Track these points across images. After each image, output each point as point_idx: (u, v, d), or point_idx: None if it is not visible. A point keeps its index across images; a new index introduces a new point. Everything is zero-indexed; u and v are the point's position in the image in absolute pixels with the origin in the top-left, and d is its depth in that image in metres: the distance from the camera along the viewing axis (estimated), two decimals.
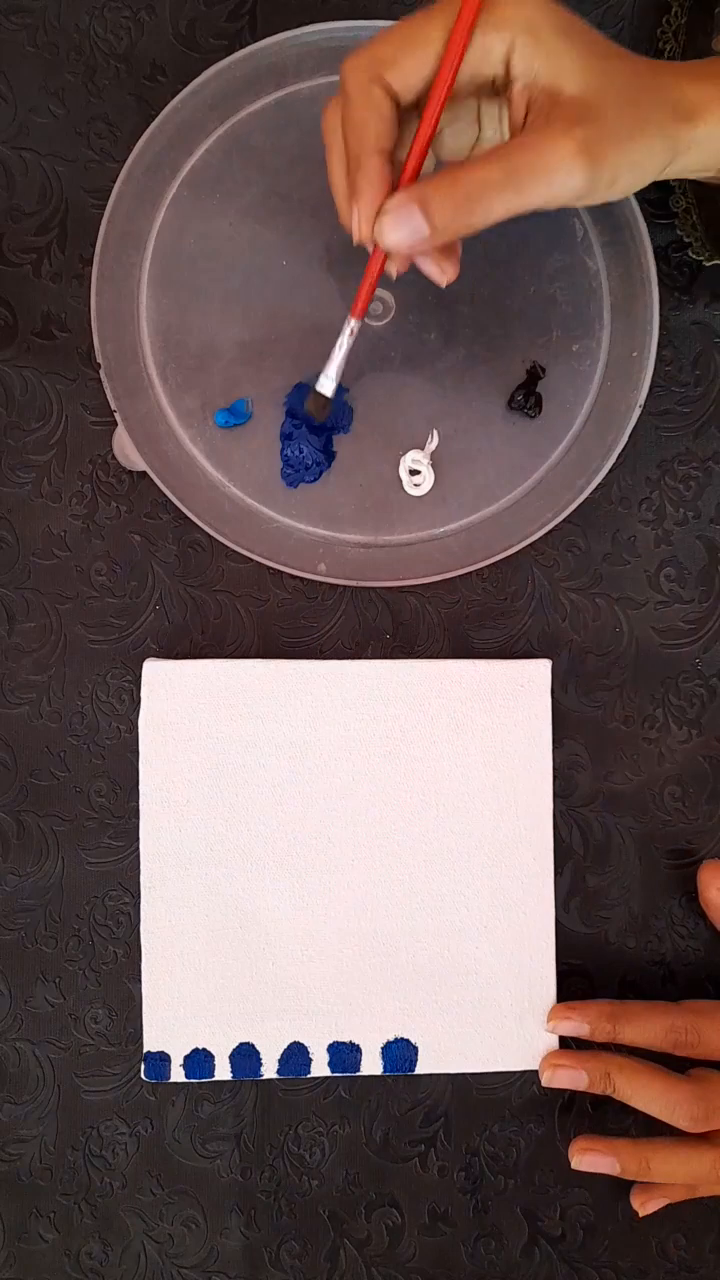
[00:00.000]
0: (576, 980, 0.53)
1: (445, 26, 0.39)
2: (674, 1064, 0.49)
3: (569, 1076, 0.50)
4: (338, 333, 0.47)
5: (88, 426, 0.53)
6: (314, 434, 0.51)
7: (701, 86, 0.41)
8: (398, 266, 0.44)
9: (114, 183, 0.51)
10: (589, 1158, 0.49)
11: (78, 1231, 0.52)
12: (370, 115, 0.40)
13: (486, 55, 0.40)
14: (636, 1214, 0.50)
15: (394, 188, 0.41)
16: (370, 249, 0.44)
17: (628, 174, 0.41)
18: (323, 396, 0.48)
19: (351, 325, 0.47)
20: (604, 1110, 0.52)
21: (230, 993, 0.51)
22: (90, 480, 0.53)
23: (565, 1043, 0.51)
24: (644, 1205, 0.50)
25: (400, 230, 0.40)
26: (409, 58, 0.40)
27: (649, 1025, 0.49)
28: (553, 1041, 0.51)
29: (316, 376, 0.48)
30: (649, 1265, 0.52)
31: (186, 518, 0.51)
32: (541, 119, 0.39)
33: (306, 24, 0.51)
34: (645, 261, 0.51)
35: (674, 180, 0.48)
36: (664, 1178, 0.49)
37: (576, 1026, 0.50)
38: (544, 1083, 0.50)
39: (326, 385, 0.48)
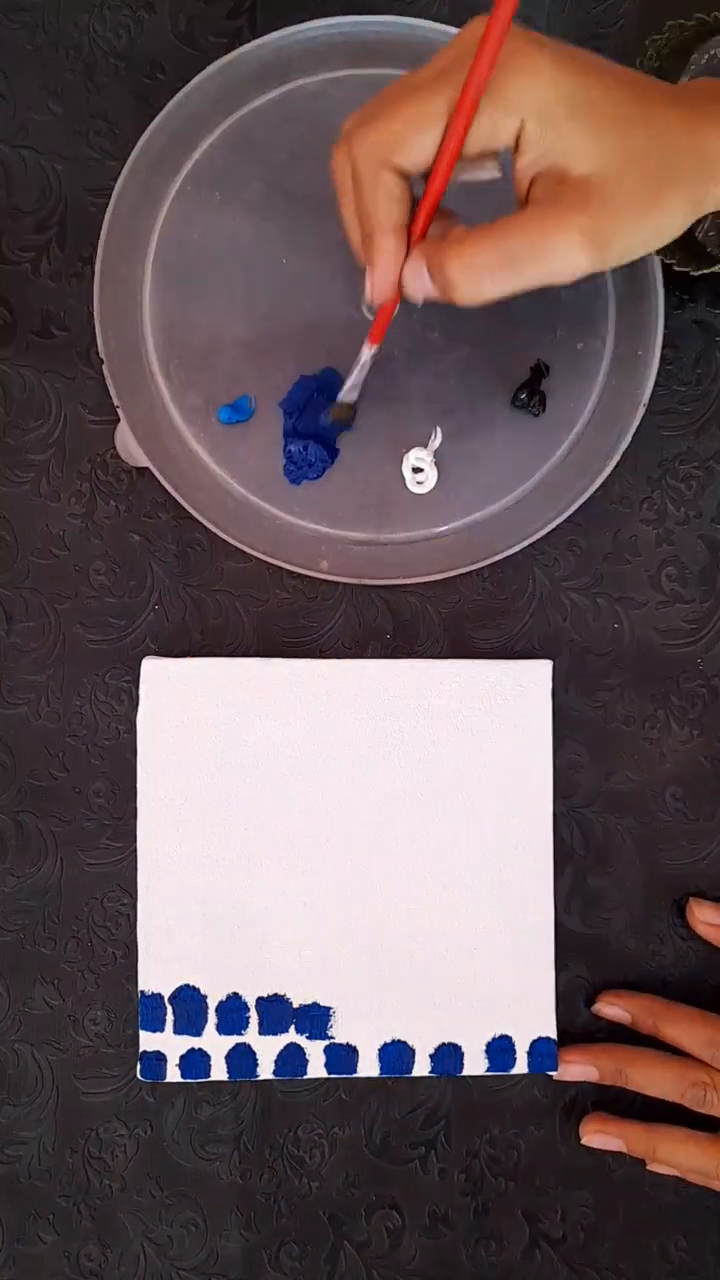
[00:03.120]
0: (577, 982, 0.53)
1: (451, 100, 0.38)
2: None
3: (580, 1071, 0.51)
4: (345, 334, 0.48)
5: (86, 425, 0.53)
6: (316, 432, 0.51)
7: None
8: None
9: (113, 181, 0.51)
10: (599, 1139, 0.51)
11: (77, 1233, 0.52)
12: (381, 196, 0.40)
13: (494, 133, 0.38)
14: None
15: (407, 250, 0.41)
16: (377, 309, 0.45)
17: (643, 246, 0.40)
18: (346, 405, 0.50)
19: (369, 352, 0.48)
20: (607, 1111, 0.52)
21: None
22: (89, 479, 0.53)
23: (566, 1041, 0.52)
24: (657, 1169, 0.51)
25: (413, 286, 0.41)
26: (416, 138, 0.39)
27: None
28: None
29: (317, 373, 0.48)
30: (650, 1268, 0.52)
31: (186, 517, 0.51)
32: (548, 198, 0.38)
33: (306, 20, 0.51)
34: (650, 260, 0.51)
35: None
36: (666, 1164, 0.50)
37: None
38: (556, 1077, 0.51)
39: (351, 395, 0.50)
